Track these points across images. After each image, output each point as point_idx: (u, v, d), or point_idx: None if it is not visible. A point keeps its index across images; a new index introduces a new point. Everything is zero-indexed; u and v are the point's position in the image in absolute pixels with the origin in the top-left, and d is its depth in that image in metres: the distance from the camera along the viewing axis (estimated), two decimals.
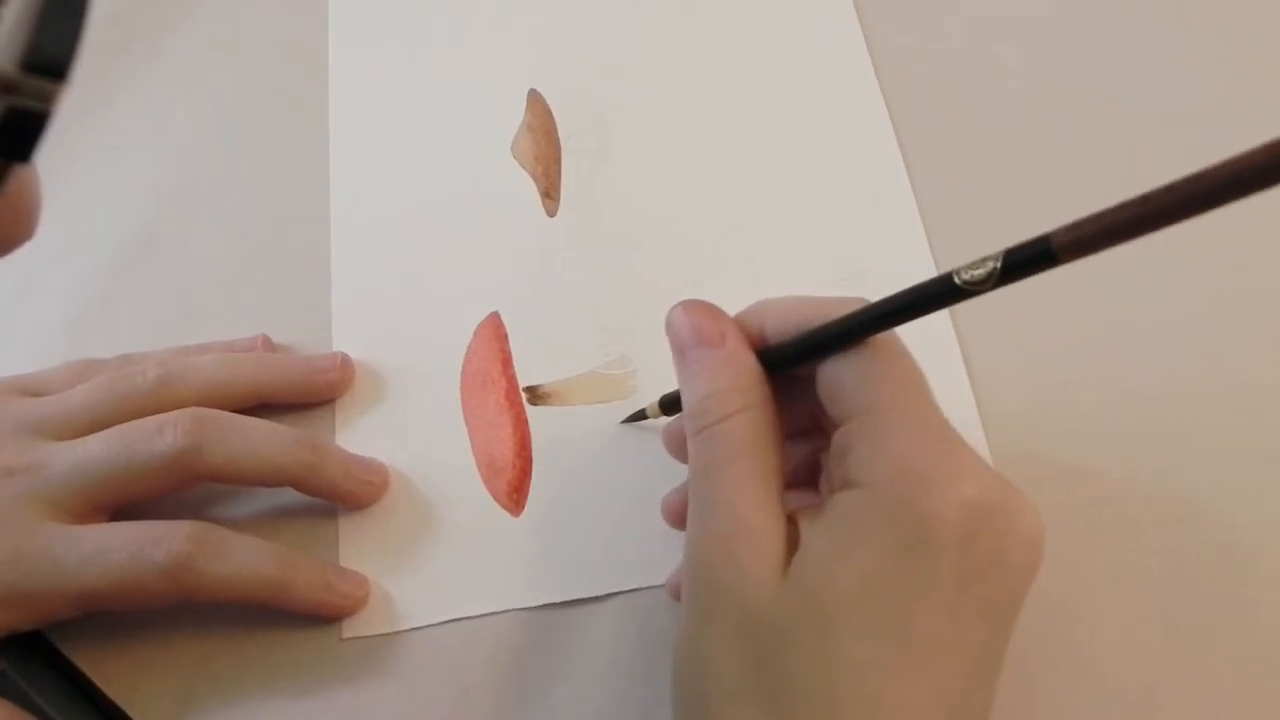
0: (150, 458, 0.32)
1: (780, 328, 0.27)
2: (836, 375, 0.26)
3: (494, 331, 0.37)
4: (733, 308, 0.29)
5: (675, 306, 0.29)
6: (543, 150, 0.40)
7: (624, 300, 0.37)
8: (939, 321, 0.35)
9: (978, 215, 0.37)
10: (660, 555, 0.33)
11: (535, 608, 0.33)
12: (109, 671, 0.33)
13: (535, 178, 0.40)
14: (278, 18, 0.45)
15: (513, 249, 0.39)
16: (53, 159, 0.44)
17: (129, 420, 0.33)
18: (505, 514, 0.35)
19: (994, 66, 0.40)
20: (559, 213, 0.39)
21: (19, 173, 0.19)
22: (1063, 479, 0.33)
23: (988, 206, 0.37)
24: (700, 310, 0.28)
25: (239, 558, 0.32)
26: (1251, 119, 0.37)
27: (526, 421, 0.36)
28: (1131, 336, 0.35)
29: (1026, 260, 0.22)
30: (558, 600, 0.33)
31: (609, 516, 0.34)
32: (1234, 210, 0.40)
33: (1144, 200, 0.19)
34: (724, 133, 0.40)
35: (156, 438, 0.32)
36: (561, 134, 0.40)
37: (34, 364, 0.37)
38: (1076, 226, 0.20)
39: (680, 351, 0.28)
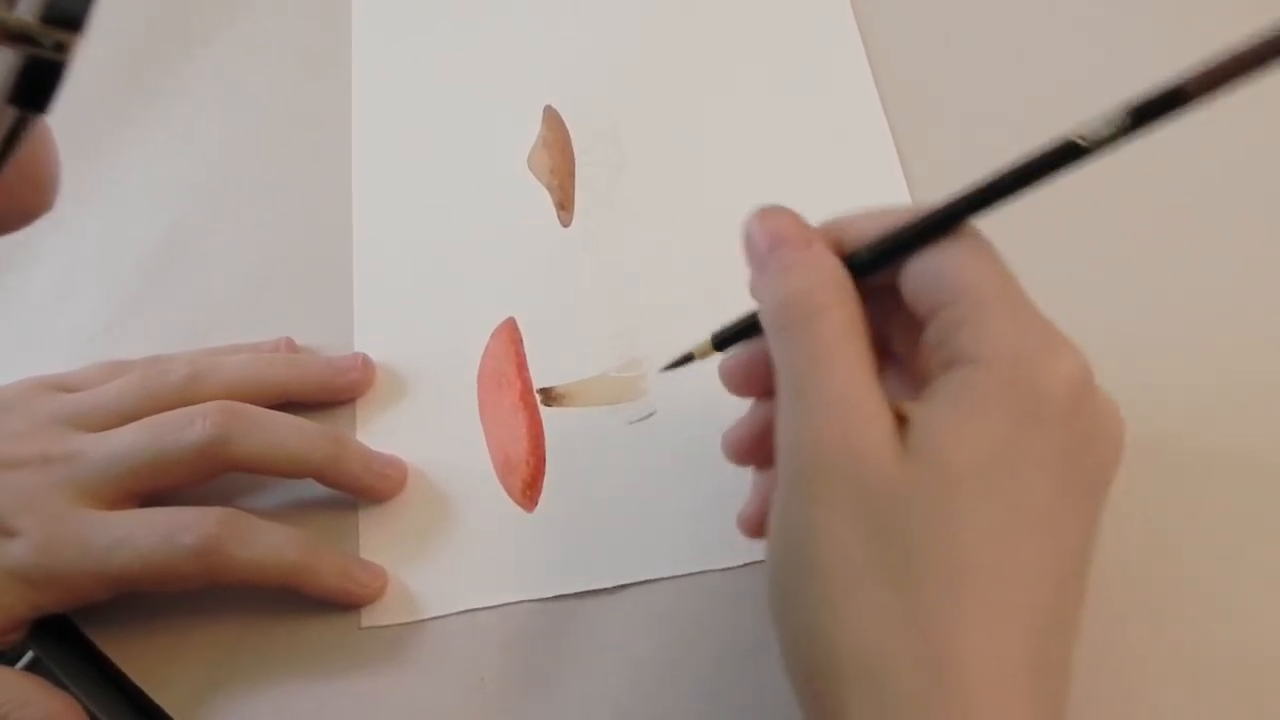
0: (181, 447, 0.33)
1: (858, 239, 0.27)
2: (928, 267, 0.26)
3: (510, 335, 0.39)
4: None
5: (752, 215, 0.28)
6: (558, 163, 0.42)
7: (635, 306, 0.39)
8: None
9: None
10: (669, 549, 0.34)
11: (548, 599, 0.34)
12: (134, 657, 0.35)
13: (550, 189, 0.41)
14: (304, 33, 0.47)
15: (529, 257, 0.40)
16: (88, 165, 0.46)
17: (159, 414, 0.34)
18: (519, 510, 0.36)
19: (991, 70, 0.41)
20: (573, 223, 0.41)
21: (36, 130, 0.19)
22: None
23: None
24: (782, 215, 0.28)
25: (264, 543, 0.33)
26: (1252, 123, 0.37)
27: (540, 422, 0.37)
28: (1117, 330, 0.35)
29: (1158, 105, 0.23)
30: (570, 592, 0.34)
31: (619, 512, 0.35)
32: (1214, 198, 0.40)
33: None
34: (729, 145, 0.41)
35: (187, 428, 0.33)
36: (576, 148, 0.42)
37: (68, 365, 0.38)
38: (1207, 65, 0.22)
39: (762, 252, 0.27)
